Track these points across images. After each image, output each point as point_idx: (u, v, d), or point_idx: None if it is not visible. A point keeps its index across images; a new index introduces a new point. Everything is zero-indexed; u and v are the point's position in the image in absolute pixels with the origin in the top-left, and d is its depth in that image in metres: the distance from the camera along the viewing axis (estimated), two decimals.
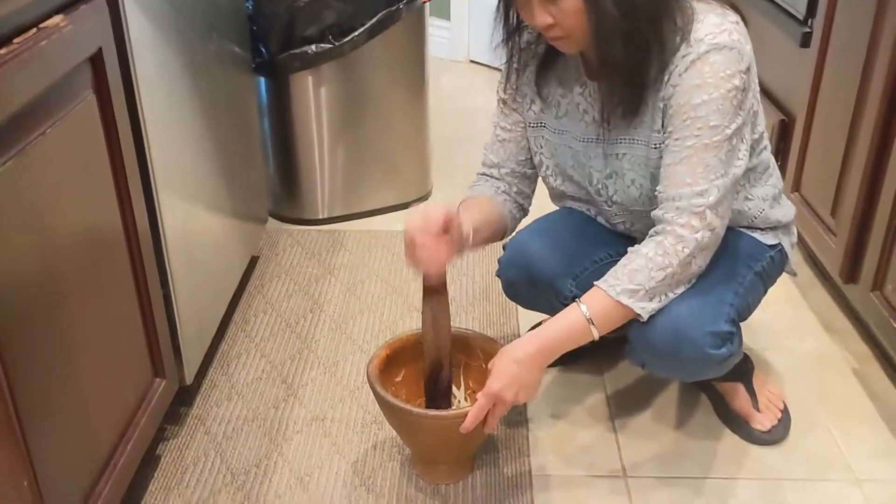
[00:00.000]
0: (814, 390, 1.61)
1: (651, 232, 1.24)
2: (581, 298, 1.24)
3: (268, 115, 2.13)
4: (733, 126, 1.20)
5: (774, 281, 1.45)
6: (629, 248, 1.25)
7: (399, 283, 1.95)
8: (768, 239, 1.41)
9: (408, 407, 1.29)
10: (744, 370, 1.52)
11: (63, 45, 1.04)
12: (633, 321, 1.27)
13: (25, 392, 0.95)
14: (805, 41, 1.87)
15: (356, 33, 2.00)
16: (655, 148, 1.26)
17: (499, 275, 1.48)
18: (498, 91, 1.43)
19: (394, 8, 2.03)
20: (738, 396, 1.51)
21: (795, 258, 1.50)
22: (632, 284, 1.21)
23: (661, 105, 1.23)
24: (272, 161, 2.19)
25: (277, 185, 2.22)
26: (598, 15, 1.14)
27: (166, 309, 1.38)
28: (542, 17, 1.17)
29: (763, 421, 1.49)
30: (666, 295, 1.24)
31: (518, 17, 1.28)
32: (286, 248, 2.11)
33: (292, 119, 2.11)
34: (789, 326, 1.79)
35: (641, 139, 1.28)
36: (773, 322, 1.78)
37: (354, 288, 1.94)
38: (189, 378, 1.48)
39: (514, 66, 1.38)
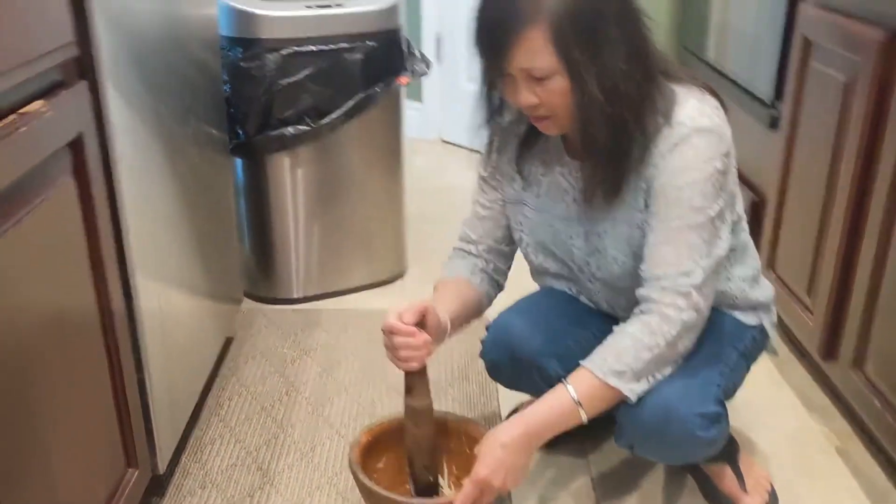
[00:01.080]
0: (798, 469, 1.59)
1: (636, 311, 1.24)
2: (567, 379, 1.23)
3: (244, 195, 2.12)
4: (715, 208, 1.22)
5: (756, 360, 1.45)
6: (615, 327, 1.25)
7: (376, 363, 1.91)
8: (749, 319, 1.42)
9: (392, 496, 1.25)
10: (730, 451, 1.50)
11: (43, 130, 1.03)
12: (621, 403, 1.25)
13: None
14: (773, 123, 1.92)
15: (333, 116, 2.02)
16: (638, 228, 1.27)
17: (482, 356, 1.46)
18: (478, 169, 1.44)
19: (371, 91, 2.05)
20: (726, 478, 1.48)
21: (774, 335, 1.50)
22: (619, 365, 1.20)
23: (644, 185, 1.24)
24: (247, 241, 2.17)
25: (252, 265, 2.19)
26: (583, 97, 1.16)
27: (140, 395, 1.34)
28: (527, 98, 1.19)
29: (751, 502, 1.47)
30: (653, 376, 1.23)
31: (501, 97, 1.30)
32: (261, 329, 2.07)
33: (268, 199, 2.11)
34: (770, 404, 1.79)
35: (623, 219, 1.28)
36: (753, 400, 1.77)
37: (331, 368, 1.91)
38: (162, 466, 1.43)
39: (496, 145, 1.40)
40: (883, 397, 1.46)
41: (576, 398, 1.21)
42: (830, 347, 1.66)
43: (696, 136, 1.20)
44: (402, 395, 1.32)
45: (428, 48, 3.39)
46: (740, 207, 1.37)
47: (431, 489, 1.35)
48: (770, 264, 1.92)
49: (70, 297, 1.12)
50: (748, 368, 1.41)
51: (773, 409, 1.77)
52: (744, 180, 2.08)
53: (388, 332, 1.25)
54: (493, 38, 1.18)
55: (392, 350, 1.26)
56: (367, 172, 2.19)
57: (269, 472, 1.57)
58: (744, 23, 2.14)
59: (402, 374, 1.30)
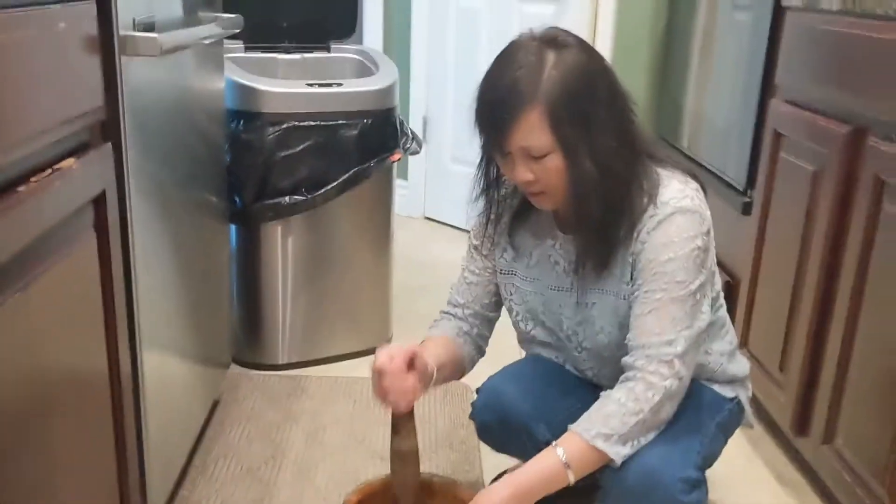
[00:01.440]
0: None
1: (622, 378, 1.31)
2: (556, 442, 1.28)
3: (236, 261, 2.18)
4: (697, 282, 1.30)
5: (732, 433, 1.51)
6: (601, 393, 1.31)
7: (362, 430, 1.94)
8: (727, 392, 1.48)
9: None
10: None
11: (73, 185, 1.09)
12: (605, 468, 1.30)
13: None
14: (746, 209, 2.03)
15: (328, 187, 2.10)
16: (624, 299, 1.35)
17: (472, 417, 1.51)
18: (470, 238, 1.52)
19: (365, 166, 2.14)
20: None
21: (749, 409, 1.57)
22: (606, 429, 1.26)
23: (630, 260, 1.33)
24: (237, 306, 2.21)
25: (239, 330, 2.23)
26: (578, 173, 1.25)
27: (138, 451, 1.36)
28: (524, 174, 1.28)
29: None
30: (638, 440, 1.28)
31: (497, 171, 1.39)
32: (247, 394, 2.10)
33: (259, 266, 2.17)
34: (743, 479, 1.84)
35: (611, 290, 1.36)
36: (729, 474, 1.82)
37: (316, 434, 1.93)
38: None
39: (490, 216, 1.48)
40: (853, 471, 1.53)
41: (565, 460, 1.26)
42: (802, 423, 1.73)
43: (679, 215, 1.29)
44: (387, 463, 1.36)
45: (416, 129, 3.52)
46: (718, 285, 1.46)
47: None
48: (744, 342, 2.00)
49: (85, 353, 1.16)
50: (725, 440, 1.46)
51: (748, 483, 1.83)
52: (718, 262, 2.17)
53: (378, 373, 1.29)
54: (495, 118, 1.27)
55: (381, 391, 1.30)
56: (357, 244, 2.26)
57: None
58: (717, 114, 2.28)
59: (388, 440, 1.34)
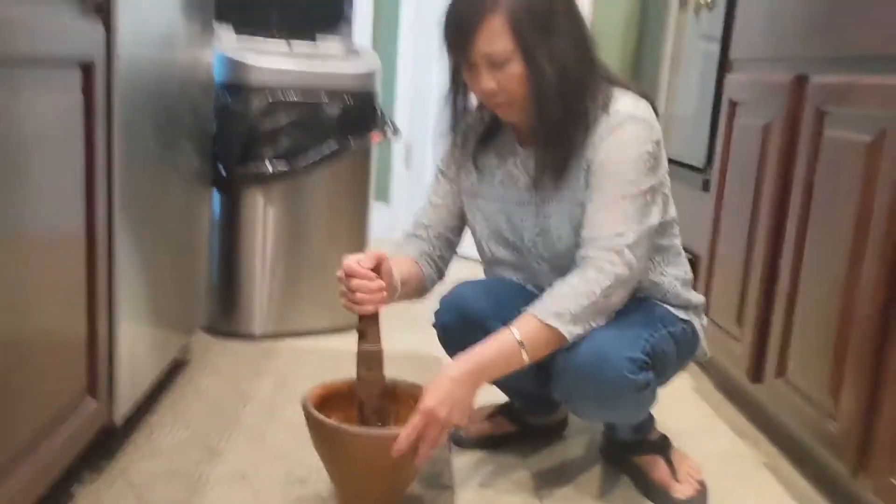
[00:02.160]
0: (730, 478, 1.66)
1: (575, 267, 1.37)
2: (512, 323, 1.34)
3: (217, 229, 2.24)
4: (646, 184, 1.38)
5: (687, 356, 1.56)
6: (555, 281, 1.37)
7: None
8: (681, 314, 1.54)
9: (342, 426, 1.31)
10: (663, 445, 1.59)
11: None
12: (558, 355, 1.35)
13: None
14: (705, 186, 2.13)
15: (308, 159, 2.19)
16: (580, 205, 1.43)
17: (435, 324, 1.56)
18: (438, 164, 1.61)
19: (345, 142, 2.24)
20: (658, 468, 1.56)
21: (704, 341, 1.62)
22: (558, 308, 1.32)
23: (585, 166, 1.41)
24: (216, 274, 2.27)
25: (217, 299, 2.28)
26: (538, 78, 1.35)
27: (109, 336, 1.40)
28: (487, 82, 1.38)
29: (683, 490, 1.53)
30: (589, 323, 1.34)
31: (464, 99, 1.49)
32: (217, 355, 2.13)
33: (239, 234, 2.24)
34: (705, 433, 1.87)
35: (568, 198, 1.44)
36: (689, 430, 1.85)
37: (285, 384, 1.96)
38: (118, 418, 1.46)
39: (457, 142, 1.57)
40: (802, 393, 1.58)
41: (519, 338, 1.31)
42: (758, 369, 1.78)
43: (630, 122, 1.39)
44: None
45: (399, 155, 3.66)
46: (673, 213, 1.54)
47: None
48: (706, 310, 2.06)
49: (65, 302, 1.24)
50: (679, 354, 1.50)
51: (708, 436, 1.86)
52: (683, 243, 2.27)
53: (346, 274, 1.35)
54: (459, 28, 1.38)
55: (348, 293, 1.36)
56: (335, 222, 2.34)
57: (217, 450, 1.61)
58: (686, 110, 2.41)
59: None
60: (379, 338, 1.41)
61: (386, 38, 3.60)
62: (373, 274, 1.36)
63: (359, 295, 1.36)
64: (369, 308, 1.38)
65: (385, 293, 1.39)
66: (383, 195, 3.70)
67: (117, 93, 1.35)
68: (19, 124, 1.07)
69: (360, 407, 1.41)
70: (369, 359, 1.41)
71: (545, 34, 1.35)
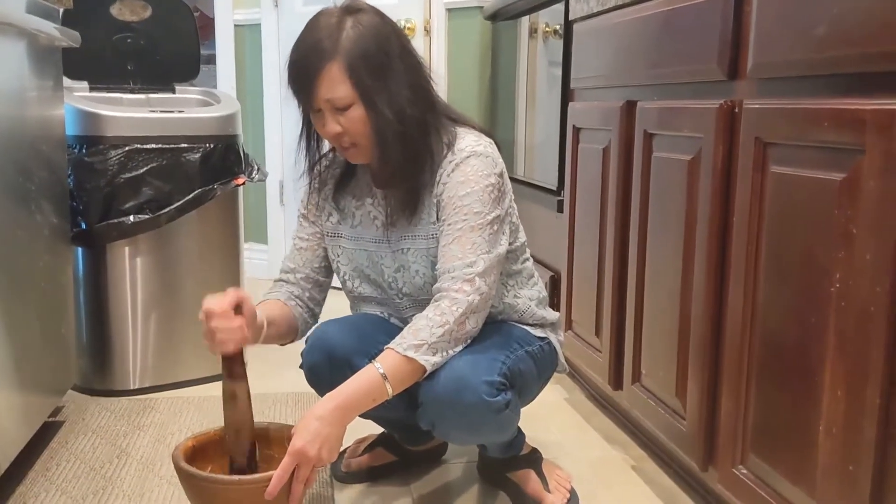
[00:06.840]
0: (599, 482, 1.76)
1: (432, 301, 1.44)
2: (375, 359, 1.39)
3: (83, 286, 2.21)
4: (493, 214, 1.47)
5: (548, 372, 1.64)
6: (413, 316, 1.44)
7: None
8: (538, 332, 1.63)
9: (212, 475, 1.33)
10: (534, 459, 1.67)
11: None
12: (421, 385, 1.41)
13: None
14: (560, 208, 2.25)
15: (172, 207, 2.19)
16: (433, 238, 1.50)
17: (302, 365, 1.59)
18: (299, 208, 1.65)
19: (208, 187, 2.25)
20: (531, 481, 1.64)
21: (562, 356, 1.72)
22: (416, 340, 1.38)
23: (435, 201, 1.49)
24: (85, 332, 2.23)
25: (88, 356, 2.24)
26: (379, 121, 1.42)
27: None
28: (332, 126, 1.43)
29: (553, 500, 1.61)
30: (446, 351, 1.41)
31: (317, 144, 1.55)
32: (94, 414, 2.09)
33: (107, 289, 2.21)
34: (577, 442, 1.97)
35: (421, 234, 1.51)
36: (562, 441, 1.95)
37: (164, 439, 1.95)
38: None
39: (316, 186, 1.62)
40: (654, 396, 1.69)
41: (382, 372, 1.37)
42: (617, 377, 1.89)
43: (474, 158, 1.47)
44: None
45: (273, 194, 3.66)
46: (523, 238, 1.63)
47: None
48: (569, 325, 2.18)
49: None
50: (538, 371, 1.59)
51: (580, 444, 1.96)
52: (544, 263, 2.39)
53: (207, 315, 1.37)
54: (301, 75, 1.43)
55: (209, 334, 1.38)
56: (207, 265, 2.33)
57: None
58: (540, 136, 2.53)
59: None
60: (244, 375, 1.43)
61: (251, 81, 3.62)
62: (231, 313, 1.39)
63: (218, 335, 1.38)
64: (229, 347, 1.40)
65: (246, 332, 1.41)
66: (261, 236, 3.70)
67: None
68: None
69: (230, 448, 1.43)
70: (235, 398, 1.43)
71: (382, 79, 1.42)
